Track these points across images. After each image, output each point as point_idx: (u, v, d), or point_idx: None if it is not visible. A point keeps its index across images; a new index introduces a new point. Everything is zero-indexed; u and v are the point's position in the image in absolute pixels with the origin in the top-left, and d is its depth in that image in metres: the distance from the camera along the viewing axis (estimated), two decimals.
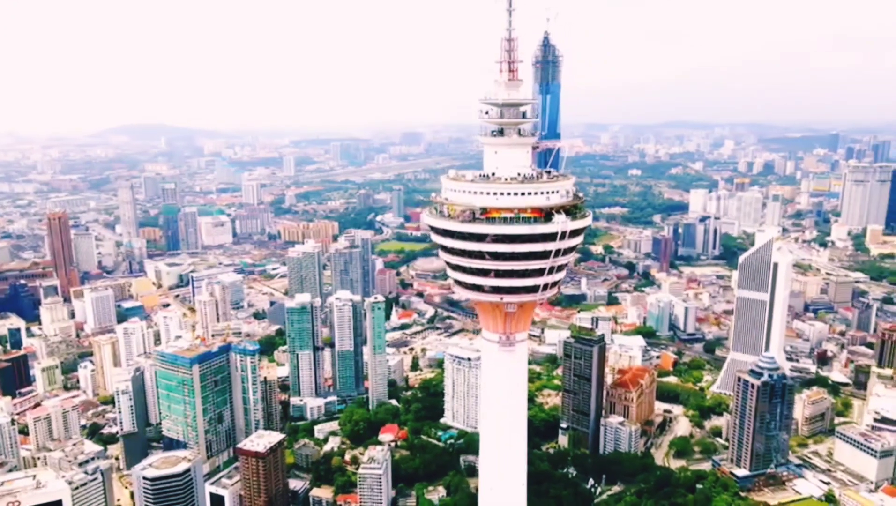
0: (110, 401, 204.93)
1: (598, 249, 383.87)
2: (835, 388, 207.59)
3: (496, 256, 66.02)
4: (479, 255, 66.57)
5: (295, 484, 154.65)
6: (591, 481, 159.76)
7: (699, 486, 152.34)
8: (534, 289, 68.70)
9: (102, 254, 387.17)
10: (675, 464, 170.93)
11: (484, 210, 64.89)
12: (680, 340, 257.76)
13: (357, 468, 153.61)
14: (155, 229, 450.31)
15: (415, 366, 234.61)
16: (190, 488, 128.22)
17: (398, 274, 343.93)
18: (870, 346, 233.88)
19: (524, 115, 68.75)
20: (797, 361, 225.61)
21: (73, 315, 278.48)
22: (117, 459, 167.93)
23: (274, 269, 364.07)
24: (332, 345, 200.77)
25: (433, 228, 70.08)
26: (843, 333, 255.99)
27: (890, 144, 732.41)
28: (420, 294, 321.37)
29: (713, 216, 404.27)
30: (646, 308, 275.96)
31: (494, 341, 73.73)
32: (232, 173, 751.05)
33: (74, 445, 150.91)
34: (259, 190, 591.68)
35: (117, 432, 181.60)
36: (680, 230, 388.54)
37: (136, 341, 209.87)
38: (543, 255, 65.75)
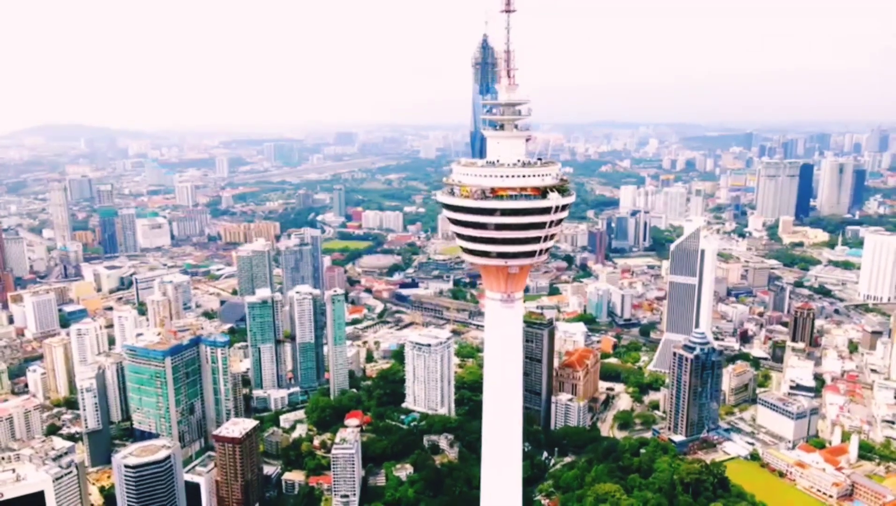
0: (64, 403, 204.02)
1: None
2: (756, 362, 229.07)
3: (501, 227, 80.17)
4: (487, 226, 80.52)
5: (267, 470, 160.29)
6: (545, 454, 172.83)
7: (642, 451, 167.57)
8: (532, 254, 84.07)
9: (33, 259, 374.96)
10: (620, 435, 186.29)
11: (493, 189, 79.33)
12: (618, 325, 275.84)
13: (326, 452, 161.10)
14: (87, 232, 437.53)
15: (370, 358, 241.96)
16: (170, 474, 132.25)
17: (345, 271, 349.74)
18: (784, 324, 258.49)
19: (520, 113, 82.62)
20: (722, 339, 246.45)
21: (11, 320, 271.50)
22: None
23: (218, 269, 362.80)
24: (292, 338, 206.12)
25: (447, 206, 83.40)
26: (761, 314, 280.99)
27: (797, 142, 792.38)
28: (368, 290, 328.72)
29: (642, 211, 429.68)
30: (585, 297, 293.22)
31: (497, 300, 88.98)
32: (162, 175, 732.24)
33: (43, 442, 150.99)
34: (193, 192, 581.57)
35: (76, 433, 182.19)
36: (613, 224, 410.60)
37: (90, 342, 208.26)
38: (540, 225, 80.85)
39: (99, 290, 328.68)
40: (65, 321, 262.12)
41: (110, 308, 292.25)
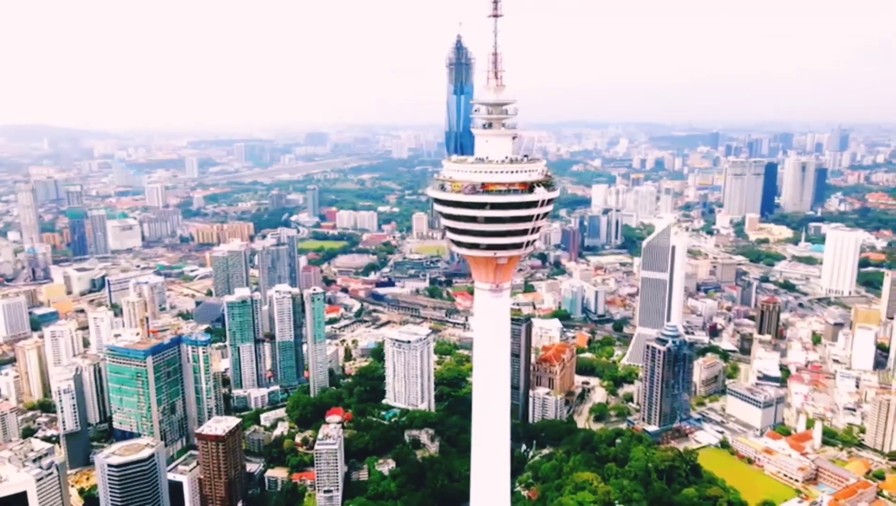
0: (38, 407, 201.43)
1: None
2: (725, 354, 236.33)
3: (490, 221, 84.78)
4: (477, 219, 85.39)
5: (250, 467, 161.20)
6: (524, 447, 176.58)
7: (618, 441, 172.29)
8: (519, 245, 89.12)
9: (0, 261, 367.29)
10: (596, 427, 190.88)
11: (483, 185, 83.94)
12: (592, 321, 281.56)
13: (308, 449, 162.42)
14: (55, 235, 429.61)
15: (348, 357, 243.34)
16: (154, 473, 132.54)
17: (321, 271, 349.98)
18: (752, 318, 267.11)
19: (507, 113, 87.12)
20: (693, 333, 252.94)
21: None
22: None
23: (192, 271, 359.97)
24: (272, 337, 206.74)
25: (439, 200, 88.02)
26: (729, 309, 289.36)
27: (761, 142, 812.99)
28: (345, 290, 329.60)
29: (614, 209, 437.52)
30: (560, 294, 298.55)
31: (486, 290, 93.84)
32: (130, 176, 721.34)
33: (21, 444, 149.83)
34: (163, 193, 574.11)
35: (53, 435, 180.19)
36: (585, 223, 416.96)
37: (65, 344, 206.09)
38: (528, 218, 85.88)
39: (69, 292, 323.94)
40: (35, 324, 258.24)
41: (82, 310, 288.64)
